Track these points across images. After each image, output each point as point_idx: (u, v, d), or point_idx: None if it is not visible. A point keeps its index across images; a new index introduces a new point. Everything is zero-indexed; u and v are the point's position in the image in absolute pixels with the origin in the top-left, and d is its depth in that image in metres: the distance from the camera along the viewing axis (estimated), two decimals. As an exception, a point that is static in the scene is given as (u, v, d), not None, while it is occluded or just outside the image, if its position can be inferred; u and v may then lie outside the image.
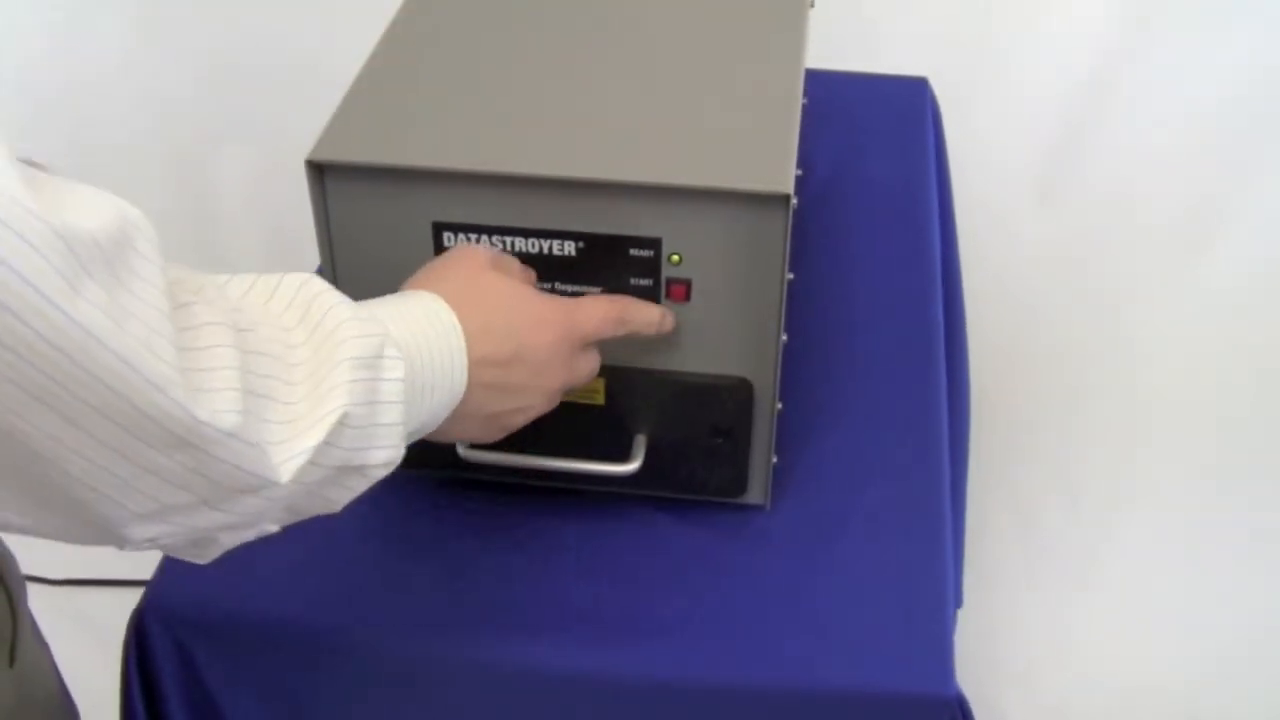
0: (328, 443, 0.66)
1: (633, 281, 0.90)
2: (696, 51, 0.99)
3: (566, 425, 0.96)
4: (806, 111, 1.39)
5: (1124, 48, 1.73)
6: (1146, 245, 1.84)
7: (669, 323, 0.90)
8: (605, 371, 0.93)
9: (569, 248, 0.89)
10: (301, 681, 0.95)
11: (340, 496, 0.71)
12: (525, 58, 0.98)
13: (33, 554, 1.84)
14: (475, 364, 0.77)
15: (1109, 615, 1.82)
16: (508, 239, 0.89)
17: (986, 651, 1.80)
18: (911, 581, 0.96)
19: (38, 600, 1.80)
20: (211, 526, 0.66)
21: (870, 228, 1.29)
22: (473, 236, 0.89)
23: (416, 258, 0.90)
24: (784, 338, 0.92)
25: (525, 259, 0.89)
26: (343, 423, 0.66)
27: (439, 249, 0.90)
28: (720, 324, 0.91)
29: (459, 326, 0.77)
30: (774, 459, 0.98)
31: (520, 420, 0.84)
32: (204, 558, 0.71)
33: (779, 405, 1.05)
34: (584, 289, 0.90)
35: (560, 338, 0.83)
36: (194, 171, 1.90)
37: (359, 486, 0.72)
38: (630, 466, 0.95)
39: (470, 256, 0.84)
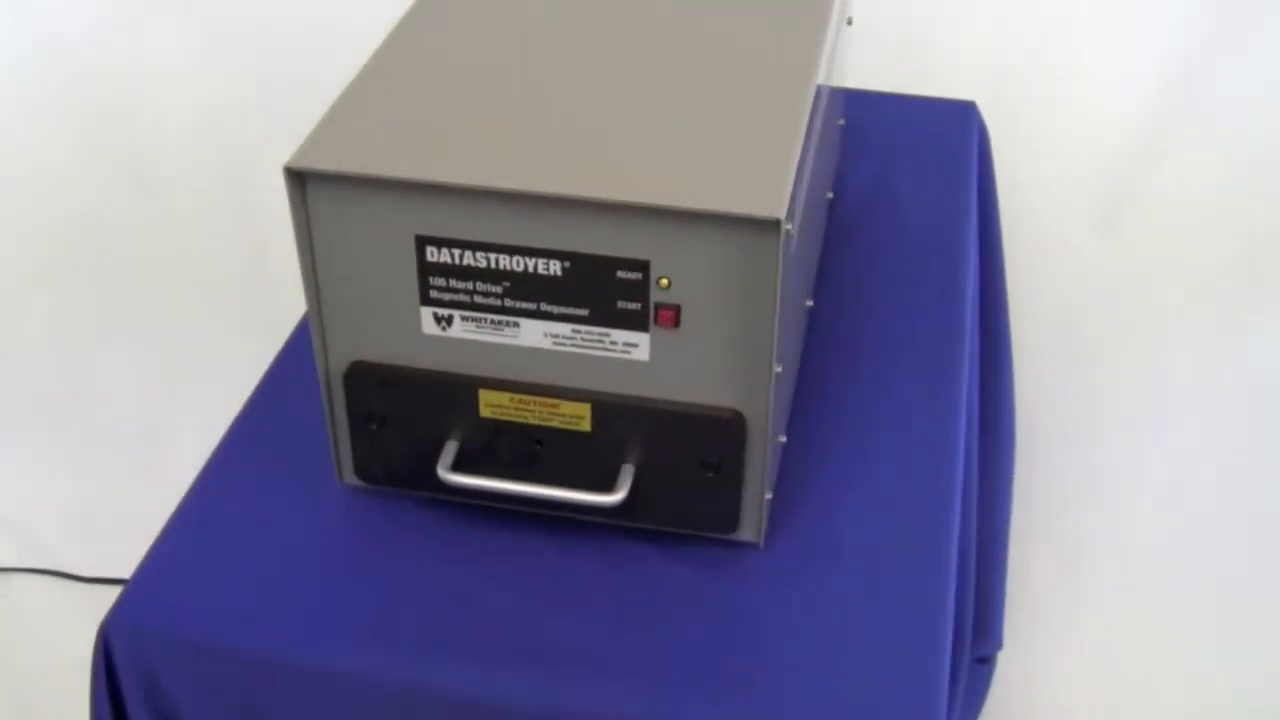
0: None
1: (620, 305, 0.86)
2: (703, 68, 0.95)
3: (552, 451, 0.93)
4: (843, 132, 1.36)
5: (1189, 72, 1.66)
6: (1211, 281, 1.76)
7: None
8: (591, 397, 0.90)
9: (554, 267, 0.86)
10: (264, 702, 0.93)
11: None
12: (525, 70, 0.95)
13: (65, 553, 1.86)
14: None
15: (1154, 665, 1.75)
16: (492, 255, 0.86)
17: (1025, 696, 1.74)
18: (908, 630, 0.92)
19: (69, 598, 1.83)
20: None
21: (901, 256, 1.24)
22: (456, 251, 0.86)
23: (399, 270, 0.88)
24: (778, 369, 0.87)
25: (509, 277, 0.86)
26: None
27: (422, 262, 0.87)
28: (711, 353, 0.87)
29: None
30: (768, 495, 0.94)
31: None
32: None
33: (782, 438, 1.01)
34: (570, 310, 0.87)
35: None
36: (242, 172, 1.90)
37: None
38: (614, 497, 0.91)
39: None
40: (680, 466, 0.92)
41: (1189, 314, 1.78)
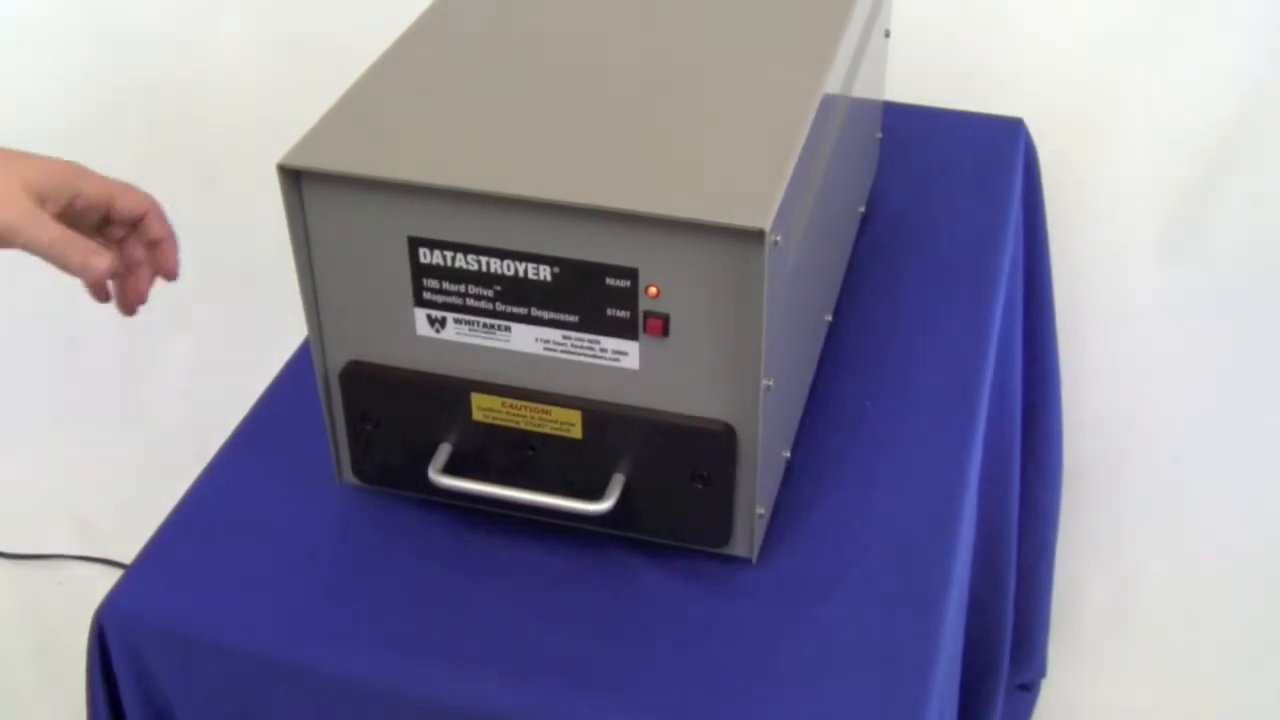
0: None
1: (609, 312, 0.85)
2: (707, 77, 0.94)
3: (544, 458, 0.92)
4: (881, 146, 1.34)
5: (1257, 94, 1.61)
6: (1272, 312, 1.71)
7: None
8: (581, 405, 0.89)
9: (544, 272, 0.85)
10: (250, 696, 0.93)
11: None
12: (528, 75, 0.95)
13: (119, 543, 1.89)
14: None
15: (1203, 697, 1.70)
16: (483, 259, 0.86)
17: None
18: (896, 657, 0.89)
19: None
20: None
21: (931, 274, 1.21)
22: (448, 254, 0.86)
23: (394, 271, 0.88)
24: (768, 382, 0.86)
25: (500, 281, 0.86)
26: None
27: (415, 264, 0.87)
28: (701, 364, 0.86)
29: None
30: (760, 510, 0.92)
31: None
32: None
33: (785, 454, 1.00)
34: (560, 316, 0.87)
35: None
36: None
37: None
38: (602, 506, 0.90)
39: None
40: (670, 478, 0.90)
41: (1247, 344, 1.73)
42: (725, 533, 0.93)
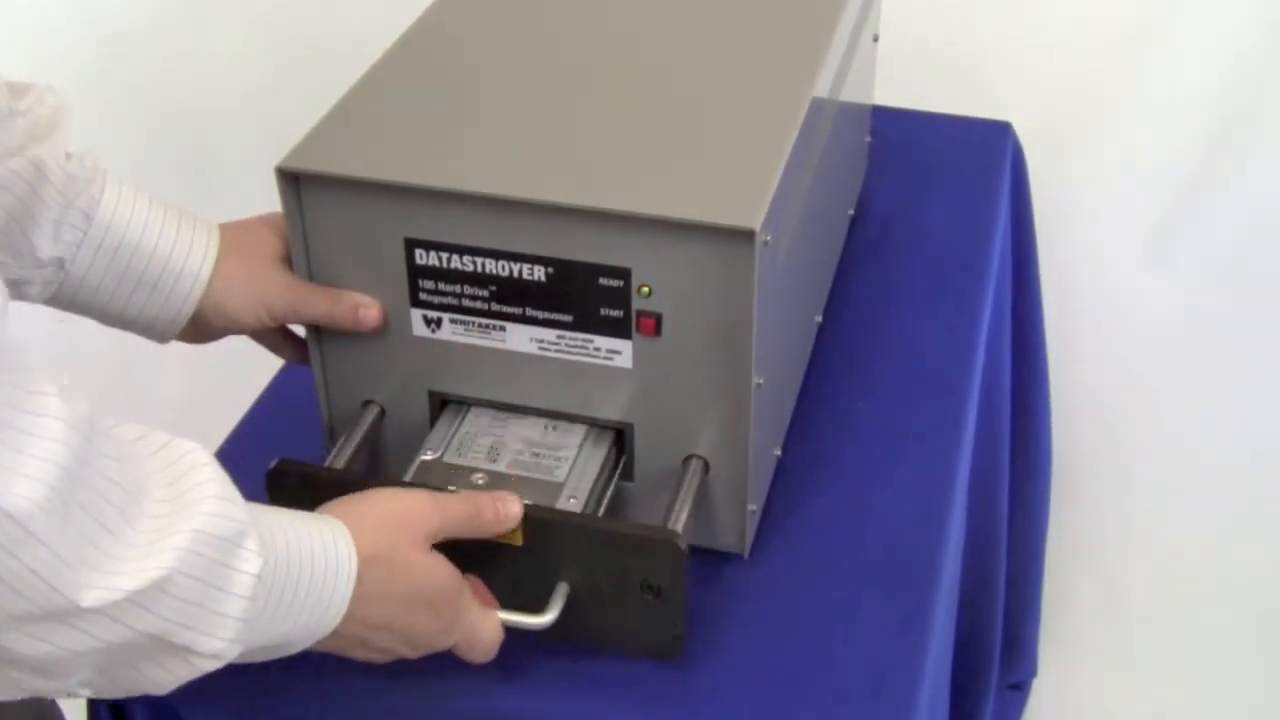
0: (139, 602, 0.61)
1: (603, 312, 0.87)
2: (698, 80, 0.96)
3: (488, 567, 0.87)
4: (870, 149, 1.35)
5: (1247, 97, 1.63)
6: (1260, 313, 1.72)
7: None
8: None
9: (539, 273, 0.87)
10: (255, 696, 0.94)
11: (159, 676, 0.66)
12: (526, 77, 0.96)
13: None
14: (348, 618, 0.74)
15: (1195, 696, 1.72)
16: (478, 259, 0.87)
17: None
18: (886, 654, 0.90)
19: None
20: (12, 652, 0.61)
21: (919, 276, 1.23)
22: (444, 255, 0.87)
23: (391, 272, 0.89)
24: (759, 380, 0.87)
25: (495, 281, 0.87)
26: (162, 587, 0.62)
27: (411, 265, 0.88)
28: (693, 362, 0.87)
29: (354, 579, 0.73)
30: (752, 507, 0.93)
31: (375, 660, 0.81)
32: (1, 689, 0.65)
33: (776, 452, 1.01)
34: (555, 316, 0.88)
35: (444, 630, 0.81)
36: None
37: (181, 672, 0.67)
38: (545, 619, 0.84)
39: (410, 526, 0.78)
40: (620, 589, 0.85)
41: (1235, 343, 1.75)
42: (675, 643, 0.86)
